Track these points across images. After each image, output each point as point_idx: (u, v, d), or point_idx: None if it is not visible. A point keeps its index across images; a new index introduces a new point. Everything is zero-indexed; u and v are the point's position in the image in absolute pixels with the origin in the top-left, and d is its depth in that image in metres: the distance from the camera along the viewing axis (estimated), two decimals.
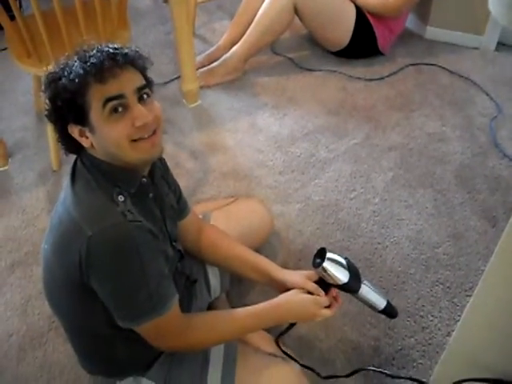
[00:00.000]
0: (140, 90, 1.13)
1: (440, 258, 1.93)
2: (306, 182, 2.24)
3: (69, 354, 1.66)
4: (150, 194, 1.26)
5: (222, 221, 1.68)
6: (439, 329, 1.71)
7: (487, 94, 2.67)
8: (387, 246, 1.97)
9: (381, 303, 1.40)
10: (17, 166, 2.46)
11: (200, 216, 1.62)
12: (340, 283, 1.33)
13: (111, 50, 1.12)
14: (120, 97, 1.09)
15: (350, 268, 1.35)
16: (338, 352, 1.67)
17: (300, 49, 3.06)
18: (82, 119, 1.12)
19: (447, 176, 2.25)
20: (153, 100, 1.18)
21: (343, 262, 1.35)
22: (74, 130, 1.15)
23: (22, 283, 1.97)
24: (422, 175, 2.26)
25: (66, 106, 1.12)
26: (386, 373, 1.53)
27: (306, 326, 1.72)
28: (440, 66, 2.88)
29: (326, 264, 1.32)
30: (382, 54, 2.95)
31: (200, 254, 1.56)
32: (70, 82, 1.09)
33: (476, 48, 3.00)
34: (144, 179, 1.23)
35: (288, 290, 1.39)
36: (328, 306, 1.36)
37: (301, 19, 2.82)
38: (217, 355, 1.40)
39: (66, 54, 1.19)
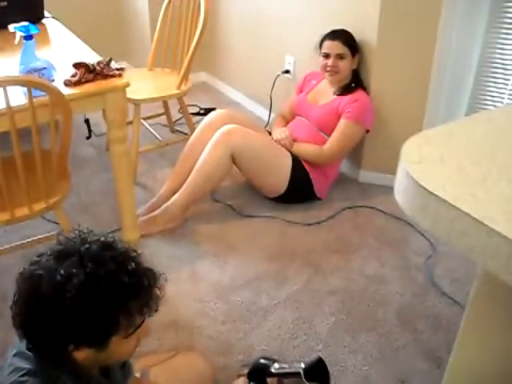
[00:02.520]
0: None
1: None
2: (248, 331, 2.20)
3: None
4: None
5: (162, 378, 1.63)
6: None
7: (421, 234, 2.77)
8: None
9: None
10: None
11: (137, 374, 1.56)
12: None
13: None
14: None
15: None
16: None
17: (239, 196, 3.14)
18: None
19: (389, 318, 2.26)
20: None
21: None
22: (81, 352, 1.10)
23: None
24: (364, 318, 2.26)
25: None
26: None
27: None
28: (375, 208, 2.99)
29: None
30: (319, 198, 3.05)
31: None
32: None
33: None
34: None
35: None
36: None
37: (238, 168, 2.91)
38: None
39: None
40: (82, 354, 1.09)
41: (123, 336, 1.10)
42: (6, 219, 2.11)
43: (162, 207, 2.88)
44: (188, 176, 2.88)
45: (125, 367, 1.39)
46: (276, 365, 1.62)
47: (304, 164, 2.91)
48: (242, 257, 2.66)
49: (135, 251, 1.17)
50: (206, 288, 2.46)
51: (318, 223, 2.89)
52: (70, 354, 1.08)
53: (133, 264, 1.11)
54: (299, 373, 1.53)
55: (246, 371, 1.65)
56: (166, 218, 2.85)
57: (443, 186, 0.78)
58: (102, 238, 1.13)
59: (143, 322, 1.12)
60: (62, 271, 1.03)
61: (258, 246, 2.73)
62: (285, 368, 1.61)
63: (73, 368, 1.11)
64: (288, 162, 2.89)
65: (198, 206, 2.98)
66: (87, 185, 3.28)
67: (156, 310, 1.16)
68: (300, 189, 2.97)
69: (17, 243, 2.42)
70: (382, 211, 2.97)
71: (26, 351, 1.12)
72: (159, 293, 1.16)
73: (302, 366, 1.55)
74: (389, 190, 3.04)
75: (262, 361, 1.66)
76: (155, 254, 2.69)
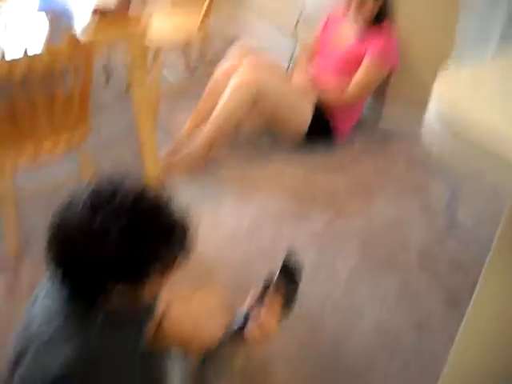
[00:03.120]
0: None
1: (406, 345, 1.91)
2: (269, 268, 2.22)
3: None
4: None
5: (182, 311, 1.64)
6: None
7: (442, 179, 2.74)
8: (351, 337, 1.95)
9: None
10: None
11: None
12: None
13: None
14: None
15: None
16: None
17: (260, 139, 3.12)
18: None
19: (409, 261, 2.27)
20: None
21: None
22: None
23: None
24: (384, 262, 2.27)
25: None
26: None
27: None
28: (396, 153, 2.96)
29: None
30: (340, 142, 3.02)
31: None
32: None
33: None
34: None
35: None
36: None
37: (260, 109, 2.88)
38: None
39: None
40: (117, 293, 1.11)
41: (157, 277, 1.12)
42: (29, 157, 2.13)
43: (184, 149, 2.87)
44: (209, 117, 2.87)
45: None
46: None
47: (326, 107, 2.87)
48: (264, 198, 2.66)
49: (167, 196, 1.18)
50: (227, 227, 2.48)
51: (339, 167, 2.88)
52: (106, 293, 1.11)
53: (166, 208, 1.13)
54: (268, 286, 1.33)
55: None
56: (188, 160, 2.85)
57: (476, 123, 0.76)
58: (133, 185, 1.13)
59: (176, 261, 1.13)
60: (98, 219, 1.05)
61: (279, 189, 2.73)
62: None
63: (107, 308, 1.13)
64: (310, 104, 2.86)
65: (220, 148, 2.97)
66: (107, 128, 3.27)
67: (189, 252, 1.17)
68: (321, 132, 2.94)
69: (40, 185, 2.44)
70: (403, 156, 2.94)
71: (59, 292, 1.15)
72: (191, 235, 1.17)
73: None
74: (411, 135, 3.07)
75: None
76: (177, 196, 2.69)
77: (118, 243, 1.04)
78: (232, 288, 2.13)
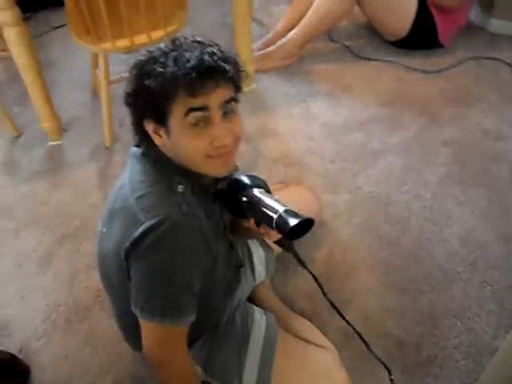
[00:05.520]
0: (227, 103, 1.09)
1: (489, 258, 1.88)
2: (357, 172, 2.21)
3: (112, 329, 1.68)
4: (212, 190, 1.26)
5: None
6: (485, 331, 1.67)
7: None
8: (436, 243, 1.93)
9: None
10: (71, 141, 2.51)
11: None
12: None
13: (212, 62, 1.05)
14: (204, 109, 1.06)
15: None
16: (377, 347, 1.65)
17: (358, 37, 3.02)
18: (161, 120, 1.10)
19: (502, 175, 2.19)
20: (237, 115, 1.13)
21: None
22: (150, 127, 1.13)
23: (70, 256, 2.01)
24: (476, 172, 2.20)
25: (147, 105, 1.10)
26: None
27: (348, 318, 1.72)
28: (503, 61, 2.79)
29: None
30: (441, 45, 2.87)
31: None
32: (157, 86, 1.05)
33: None
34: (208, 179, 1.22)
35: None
36: None
37: (360, 6, 2.77)
38: (257, 339, 1.41)
39: (164, 40, 1.16)
40: (157, 138, 1.14)
41: (185, 125, 1.08)
42: (125, 46, 2.14)
43: (278, 43, 2.83)
44: (306, 12, 2.78)
45: None
46: (257, 191, 1.19)
47: (430, 6, 2.71)
48: (356, 99, 2.61)
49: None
50: (317, 126, 2.46)
51: (438, 71, 2.75)
52: (151, 138, 1.15)
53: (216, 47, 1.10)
54: (272, 217, 1.10)
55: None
56: (281, 55, 2.81)
57: None
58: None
59: (206, 109, 1.06)
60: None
61: (373, 90, 2.66)
62: (266, 200, 1.15)
63: (181, 169, 1.15)
64: (414, 3, 2.70)
65: (314, 45, 2.90)
66: (202, 18, 3.25)
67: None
68: (423, 33, 2.79)
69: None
70: (509, 65, 2.77)
71: (142, 157, 1.19)
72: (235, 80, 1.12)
73: (282, 209, 1.10)
74: None
75: (245, 178, 1.23)
76: (269, 90, 2.69)
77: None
78: (321, 187, 2.16)
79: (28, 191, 2.29)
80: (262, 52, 2.83)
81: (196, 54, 1.05)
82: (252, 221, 1.24)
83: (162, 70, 1.05)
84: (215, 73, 1.05)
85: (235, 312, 1.48)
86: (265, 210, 1.13)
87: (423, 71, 2.75)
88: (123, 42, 2.13)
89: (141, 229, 1.07)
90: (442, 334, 1.67)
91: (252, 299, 1.69)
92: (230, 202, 1.25)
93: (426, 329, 1.68)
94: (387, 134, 2.39)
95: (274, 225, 1.09)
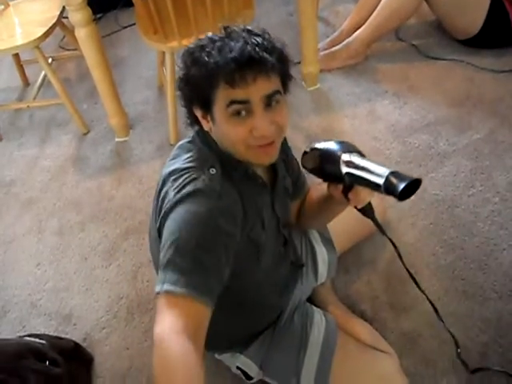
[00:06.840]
0: (269, 97, 1.07)
1: None
2: (423, 174, 2.16)
3: None
4: (260, 180, 1.25)
5: None
6: None
7: None
8: (504, 249, 1.87)
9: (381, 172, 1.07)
10: (137, 138, 2.57)
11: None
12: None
13: (254, 53, 1.03)
14: (245, 102, 1.06)
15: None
16: (441, 353, 1.61)
17: (426, 36, 2.94)
18: (207, 107, 1.12)
19: None
20: (282, 106, 1.11)
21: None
22: (198, 112, 1.16)
23: (134, 250, 2.06)
24: None
25: (194, 92, 1.12)
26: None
27: (410, 322, 1.69)
28: None
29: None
30: None
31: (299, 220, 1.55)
32: (201, 74, 1.07)
33: None
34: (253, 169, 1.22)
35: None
36: None
37: (429, 4, 2.70)
38: (316, 340, 1.40)
39: (210, 30, 1.15)
40: (205, 123, 1.16)
41: (226, 114, 1.08)
42: (192, 40, 2.16)
43: (344, 42, 2.80)
44: (372, 11, 2.74)
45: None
46: (357, 157, 1.13)
47: (505, 2, 2.61)
48: (423, 99, 2.55)
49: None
50: (382, 127, 2.42)
51: (510, 71, 2.65)
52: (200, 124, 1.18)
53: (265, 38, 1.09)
54: (378, 183, 1.06)
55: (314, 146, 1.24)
56: (347, 54, 2.78)
57: None
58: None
59: (247, 103, 1.05)
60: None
61: (441, 90, 2.59)
62: (367, 165, 1.10)
63: (225, 155, 1.16)
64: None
65: (381, 44, 2.85)
66: (269, 16, 3.26)
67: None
68: (496, 31, 2.68)
69: None
70: None
71: (188, 145, 1.21)
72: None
73: (387, 172, 1.04)
74: None
75: (335, 145, 1.18)
76: (334, 89, 2.67)
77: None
78: None
79: (95, 186, 2.36)
80: (327, 51, 2.81)
81: (239, 44, 1.04)
82: (339, 189, 1.19)
83: (206, 59, 1.06)
84: (255, 64, 1.04)
85: (294, 312, 1.48)
86: (369, 175, 1.09)
87: (494, 71, 2.65)
88: (190, 41, 2.15)
89: (171, 203, 1.05)
90: (509, 344, 1.61)
91: (312, 300, 1.68)
92: (324, 172, 1.23)
93: (491, 338, 1.63)
94: (455, 136, 2.33)
95: (382, 189, 1.06)
